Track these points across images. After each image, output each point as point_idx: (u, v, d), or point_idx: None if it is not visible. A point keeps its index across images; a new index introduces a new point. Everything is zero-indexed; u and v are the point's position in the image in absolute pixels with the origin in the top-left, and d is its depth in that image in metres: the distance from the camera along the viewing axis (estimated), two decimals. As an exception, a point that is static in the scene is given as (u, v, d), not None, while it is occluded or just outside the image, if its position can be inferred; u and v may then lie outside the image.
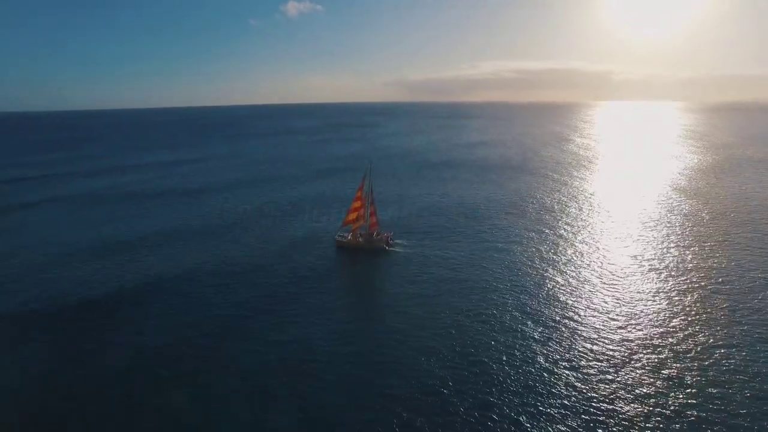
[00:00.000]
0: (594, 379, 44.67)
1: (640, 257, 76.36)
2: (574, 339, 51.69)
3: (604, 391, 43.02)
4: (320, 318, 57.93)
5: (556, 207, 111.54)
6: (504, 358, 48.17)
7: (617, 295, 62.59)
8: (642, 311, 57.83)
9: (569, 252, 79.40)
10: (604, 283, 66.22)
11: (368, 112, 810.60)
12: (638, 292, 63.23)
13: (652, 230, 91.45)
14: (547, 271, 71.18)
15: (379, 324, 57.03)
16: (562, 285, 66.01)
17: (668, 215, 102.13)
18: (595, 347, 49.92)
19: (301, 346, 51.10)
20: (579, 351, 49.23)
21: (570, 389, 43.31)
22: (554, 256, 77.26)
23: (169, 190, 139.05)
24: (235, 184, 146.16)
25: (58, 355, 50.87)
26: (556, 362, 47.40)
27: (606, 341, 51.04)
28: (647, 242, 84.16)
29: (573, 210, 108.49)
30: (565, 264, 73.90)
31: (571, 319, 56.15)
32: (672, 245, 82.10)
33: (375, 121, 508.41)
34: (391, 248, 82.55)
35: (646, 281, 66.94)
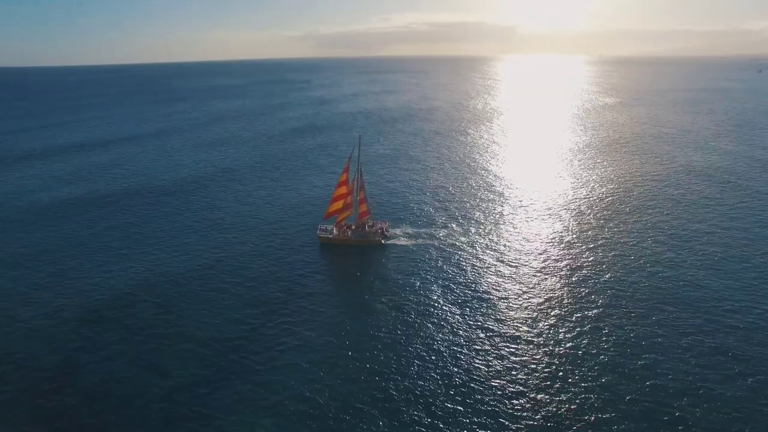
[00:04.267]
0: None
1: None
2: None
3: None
4: (307, 347, 41.04)
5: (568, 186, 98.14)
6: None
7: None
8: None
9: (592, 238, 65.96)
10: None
11: (286, 69, 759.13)
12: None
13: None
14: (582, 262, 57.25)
15: (384, 348, 41.50)
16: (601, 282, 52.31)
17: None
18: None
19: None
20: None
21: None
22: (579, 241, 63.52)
23: (101, 195, 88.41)
24: (187, 179, 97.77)
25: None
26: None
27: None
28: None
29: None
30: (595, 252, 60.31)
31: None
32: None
33: (302, 79, 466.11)
34: (387, 241, 64.89)
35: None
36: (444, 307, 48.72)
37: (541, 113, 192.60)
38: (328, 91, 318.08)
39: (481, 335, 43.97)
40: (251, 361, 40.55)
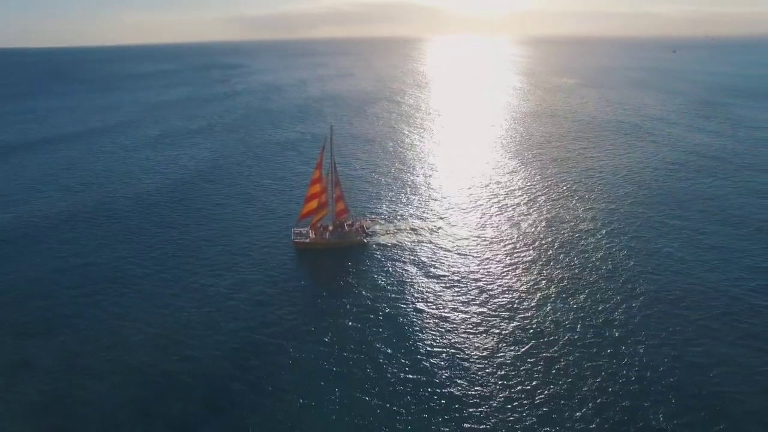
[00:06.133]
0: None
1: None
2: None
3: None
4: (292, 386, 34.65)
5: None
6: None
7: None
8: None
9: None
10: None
11: (216, 52, 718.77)
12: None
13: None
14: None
15: (393, 359, 35.78)
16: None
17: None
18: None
19: None
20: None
21: None
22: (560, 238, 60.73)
23: (44, 216, 69.10)
24: (142, 184, 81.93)
25: None
26: None
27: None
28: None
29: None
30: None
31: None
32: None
33: (236, 63, 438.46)
34: (369, 239, 59.19)
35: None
36: (442, 310, 44.68)
37: (505, 95, 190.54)
38: (272, 76, 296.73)
39: (479, 332, 40.41)
40: (253, 396, 34.30)
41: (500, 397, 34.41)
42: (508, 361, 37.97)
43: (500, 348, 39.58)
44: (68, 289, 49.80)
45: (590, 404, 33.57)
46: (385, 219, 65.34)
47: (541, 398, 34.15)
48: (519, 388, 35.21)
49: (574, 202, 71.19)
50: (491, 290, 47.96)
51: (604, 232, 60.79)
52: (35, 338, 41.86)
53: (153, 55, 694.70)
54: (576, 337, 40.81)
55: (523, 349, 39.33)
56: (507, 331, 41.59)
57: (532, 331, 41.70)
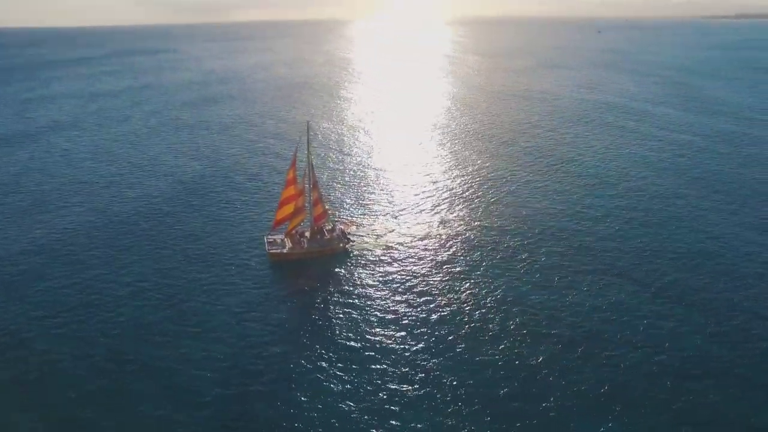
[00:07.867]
0: None
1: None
2: None
3: None
4: None
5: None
6: None
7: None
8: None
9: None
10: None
11: (139, 37, 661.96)
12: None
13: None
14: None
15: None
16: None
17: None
18: None
19: None
20: None
21: None
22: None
23: None
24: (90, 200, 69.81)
25: None
26: None
27: None
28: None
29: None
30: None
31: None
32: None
33: (166, 48, 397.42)
34: (351, 245, 53.41)
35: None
36: (440, 319, 40.69)
37: (464, 77, 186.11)
38: (214, 63, 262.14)
39: (489, 336, 36.82)
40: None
41: (559, 402, 31.56)
42: (549, 363, 35.25)
43: (536, 350, 36.36)
44: (34, 311, 41.46)
45: (662, 395, 32.34)
46: (368, 221, 59.67)
47: (615, 393, 32.37)
48: (584, 387, 32.91)
49: (567, 185, 69.55)
50: (494, 290, 44.04)
51: (606, 212, 59.96)
52: (9, 386, 33.83)
53: (68, 39, 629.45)
54: (614, 322, 39.43)
55: (565, 345, 36.92)
56: (539, 333, 38.16)
57: (568, 332, 38.41)
